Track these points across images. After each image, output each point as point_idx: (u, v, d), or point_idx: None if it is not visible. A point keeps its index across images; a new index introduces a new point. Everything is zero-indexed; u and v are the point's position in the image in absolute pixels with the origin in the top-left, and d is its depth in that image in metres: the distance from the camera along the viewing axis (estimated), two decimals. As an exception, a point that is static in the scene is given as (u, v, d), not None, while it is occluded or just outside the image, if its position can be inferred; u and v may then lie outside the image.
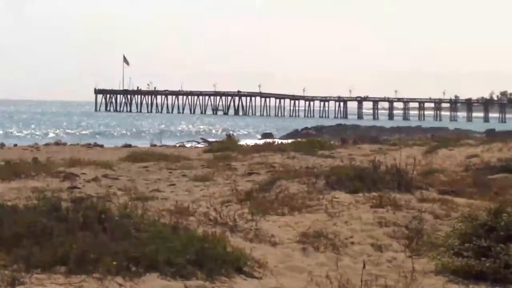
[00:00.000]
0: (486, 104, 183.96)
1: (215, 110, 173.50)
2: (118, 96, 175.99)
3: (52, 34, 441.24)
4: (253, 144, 41.13)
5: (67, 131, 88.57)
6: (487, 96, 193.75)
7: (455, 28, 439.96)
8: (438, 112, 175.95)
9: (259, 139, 65.16)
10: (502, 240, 10.21)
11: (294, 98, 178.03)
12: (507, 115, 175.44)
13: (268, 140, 45.24)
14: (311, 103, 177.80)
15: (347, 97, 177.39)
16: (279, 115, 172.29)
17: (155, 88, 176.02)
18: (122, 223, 10.21)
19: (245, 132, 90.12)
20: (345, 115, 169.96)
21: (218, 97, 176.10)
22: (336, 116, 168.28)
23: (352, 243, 11.80)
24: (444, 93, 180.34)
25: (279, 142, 40.76)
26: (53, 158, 27.16)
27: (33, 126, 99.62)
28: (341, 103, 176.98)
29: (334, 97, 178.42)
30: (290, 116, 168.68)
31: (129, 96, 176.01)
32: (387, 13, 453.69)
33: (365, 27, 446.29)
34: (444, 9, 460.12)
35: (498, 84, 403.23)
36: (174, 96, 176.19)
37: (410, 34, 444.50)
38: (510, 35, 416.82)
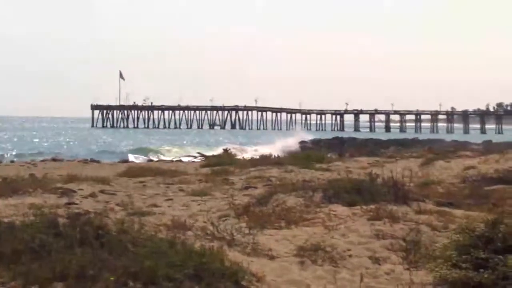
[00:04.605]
0: (483, 115, 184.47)
1: (212, 124, 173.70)
2: (115, 111, 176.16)
3: (45, 50, 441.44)
4: (250, 158, 41.17)
5: (64, 146, 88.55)
6: (483, 107, 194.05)
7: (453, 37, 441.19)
8: (434, 124, 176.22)
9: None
10: (500, 251, 10.19)
11: (290, 111, 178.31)
12: (504, 126, 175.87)
13: (264, 153, 45.19)
14: (308, 116, 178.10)
15: (344, 110, 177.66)
16: (276, 128, 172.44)
17: (151, 103, 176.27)
18: (119, 238, 10.21)
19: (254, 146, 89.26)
20: (341, 128, 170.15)
21: (215, 112, 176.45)
22: (333, 129, 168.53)
23: (350, 256, 11.79)
24: (440, 105, 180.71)
25: (276, 155, 40.74)
26: (50, 174, 27.13)
27: (29, 142, 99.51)
28: (338, 116, 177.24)
29: (330, 110, 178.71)
30: (287, 129, 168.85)
31: (125, 112, 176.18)
32: (384, 24, 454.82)
33: (361, 37, 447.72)
34: (442, 17, 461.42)
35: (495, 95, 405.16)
36: (170, 111, 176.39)
37: (407, 44, 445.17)
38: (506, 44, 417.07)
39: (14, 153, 67.95)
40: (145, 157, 61.11)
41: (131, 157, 58.94)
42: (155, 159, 58.15)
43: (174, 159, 54.18)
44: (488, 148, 46.39)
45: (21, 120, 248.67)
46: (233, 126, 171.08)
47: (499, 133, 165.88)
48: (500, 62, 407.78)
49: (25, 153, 67.81)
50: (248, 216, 14.91)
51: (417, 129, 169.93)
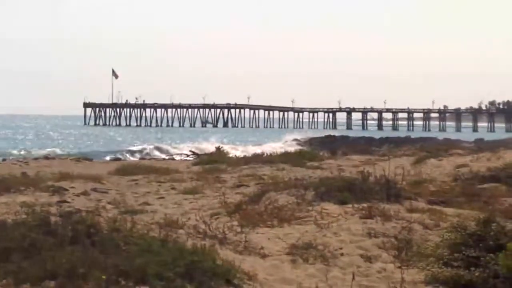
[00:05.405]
0: (475, 113, 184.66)
1: (204, 122, 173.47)
2: (107, 109, 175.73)
3: (38, 47, 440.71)
4: (242, 156, 41.20)
5: (57, 144, 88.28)
6: (475, 105, 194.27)
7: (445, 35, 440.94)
8: (427, 122, 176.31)
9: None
10: (491, 249, 10.21)
11: (283, 109, 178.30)
12: (496, 124, 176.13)
13: (257, 152, 45.24)
14: (300, 114, 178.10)
15: (336, 108, 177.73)
16: (268, 126, 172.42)
17: (144, 101, 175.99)
18: (111, 237, 10.20)
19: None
20: (334, 126, 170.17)
21: (207, 110, 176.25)
22: (325, 127, 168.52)
23: (342, 254, 11.79)
24: (433, 103, 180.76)
25: (268, 153, 40.74)
26: (42, 172, 27.11)
27: (20, 140, 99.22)
28: (330, 114, 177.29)
29: (323, 108, 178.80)
30: (279, 127, 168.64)
31: (118, 110, 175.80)
32: (377, 22, 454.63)
33: (354, 35, 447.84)
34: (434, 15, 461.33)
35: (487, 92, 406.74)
36: (163, 109, 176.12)
37: (400, 40, 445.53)
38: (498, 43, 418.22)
39: (22, 152, 67.56)
40: (137, 155, 60.99)
41: (123, 155, 58.84)
42: (147, 157, 58.09)
43: (166, 157, 54.16)
44: (480, 146, 46.50)
45: (16, 119, 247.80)
46: (225, 124, 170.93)
47: (491, 131, 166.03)
48: (493, 60, 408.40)
49: (33, 149, 67.71)
50: (240, 214, 14.90)
51: (410, 127, 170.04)
